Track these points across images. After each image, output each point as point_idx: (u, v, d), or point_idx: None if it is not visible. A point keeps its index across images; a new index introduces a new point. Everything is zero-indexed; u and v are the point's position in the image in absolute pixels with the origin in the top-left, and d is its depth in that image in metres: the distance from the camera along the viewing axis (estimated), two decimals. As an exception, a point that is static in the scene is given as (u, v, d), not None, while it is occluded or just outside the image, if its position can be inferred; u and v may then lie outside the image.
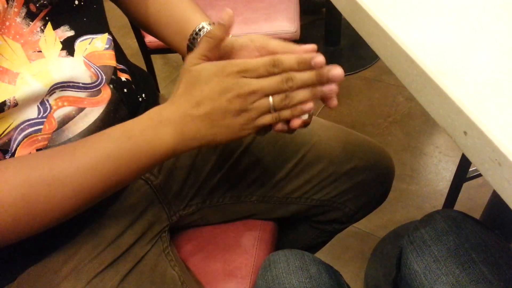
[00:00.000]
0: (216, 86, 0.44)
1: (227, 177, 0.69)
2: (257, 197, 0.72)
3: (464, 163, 1.03)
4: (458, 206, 1.21)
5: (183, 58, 0.55)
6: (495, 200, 0.81)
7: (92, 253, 0.56)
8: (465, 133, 0.38)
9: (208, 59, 0.46)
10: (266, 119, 0.46)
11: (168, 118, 0.45)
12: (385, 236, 0.65)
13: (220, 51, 0.49)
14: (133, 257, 0.59)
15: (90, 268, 0.55)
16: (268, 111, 0.46)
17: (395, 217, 1.29)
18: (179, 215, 0.68)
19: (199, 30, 0.57)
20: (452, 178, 1.16)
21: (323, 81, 0.45)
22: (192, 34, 0.57)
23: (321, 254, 0.78)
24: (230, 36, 0.52)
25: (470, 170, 1.05)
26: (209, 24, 0.58)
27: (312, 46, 0.48)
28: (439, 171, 1.41)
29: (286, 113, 0.46)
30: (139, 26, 0.68)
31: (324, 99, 0.48)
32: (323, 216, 0.76)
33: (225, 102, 0.44)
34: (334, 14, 1.76)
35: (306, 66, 0.45)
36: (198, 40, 0.57)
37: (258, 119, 0.46)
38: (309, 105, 0.46)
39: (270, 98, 0.45)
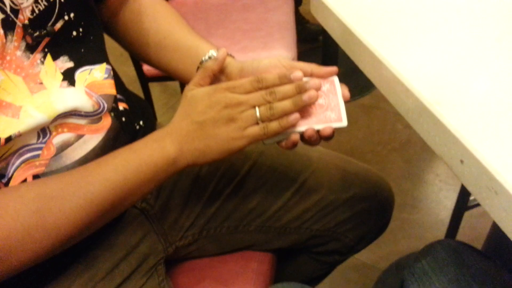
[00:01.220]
0: (207, 101, 0.50)
1: (224, 207, 0.69)
2: (255, 227, 0.70)
3: (465, 191, 1.02)
4: (460, 236, 1.20)
5: (181, 86, 0.58)
6: (496, 229, 0.79)
7: (87, 286, 0.55)
8: (461, 161, 0.38)
9: (202, 86, 0.53)
10: (255, 130, 0.50)
11: (168, 132, 0.51)
12: (387, 268, 0.63)
13: (243, 73, 0.56)
14: (128, 290, 0.57)
15: (84, 301, 0.54)
16: (255, 121, 0.50)
17: (397, 248, 1.27)
18: (175, 246, 0.67)
19: (209, 57, 0.59)
20: (453, 206, 1.14)
21: (302, 91, 0.50)
22: (203, 59, 0.59)
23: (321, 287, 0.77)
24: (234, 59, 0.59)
25: (471, 198, 1.04)
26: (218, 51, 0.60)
27: (335, 68, 0.54)
28: (440, 200, 1.40)
29: (273, 125, 0.50)
30: (136, 56, 0.68)
31: (321, 135, 0.52)
32: (323, 247, 0.75)
33: (215, 113, 0.49)
34: (331, 42, 1.78)
35: (287, 80, 0.51)
36: None
37: (247, 129, 0.50)
38: (295, 115, 0.50)
39: (257, 109, 0.49)
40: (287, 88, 0.50)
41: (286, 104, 0.49)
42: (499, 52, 0.47)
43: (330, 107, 0.52)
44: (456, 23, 0.52)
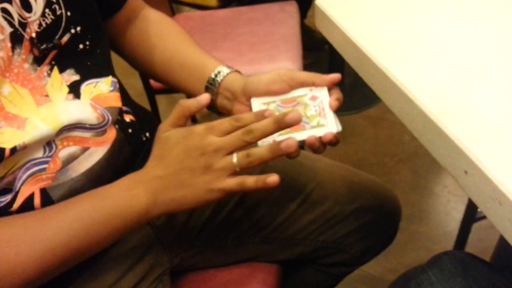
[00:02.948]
0: (184, 147, 0.47)
1: (230, 218, 0.69)
2: (261, 238, 0.70)
3: (473, 203, 1.01)
4: (468, 248, 1.18)
5: (188, 98, 0.58)
6: (504, 241, 0.78)
7: (92, 297, 0.55)
8: (465, 172, 0.38)
9: (177, 126, 0.50)
10: (232, 184, 0.47)
11: (141, 180, 0.49)
12: (394, 280, 0.63)
13: (245, 91, 0.56)
14: (133, 301, 0.57)
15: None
16: (233, 169, 0.47)
17: (404, 260, 1.26)
18: (180, 257, 0.67)
19: (218, 72, 0.60)
20: (461, 218, 1.13)
21: (281, 126, 0.46)
22: (210, 76, 0.60)
23: (327, 298, 0.76)
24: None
25: (479, 210, 1.03)
26: (227, 68, 0.61)
27: (338, 75, 0.54)
28: (449, 212, 1.39)
29: (249, 181, 0.47)
30: (143, 72, 0.70)
31: (323, 141, 0.51)
32: (329, 258, 0.74)
33: (192, 161, 0.47)
34: (337, 54, 1.80)
35: (263, 118, 0.47)
36: (218, 81, 0.60)
37: (224, 181, 0.47)
38: (273, 179, 0.47)
39: (234, 156, 0.47)
40: (264, 124, 0.46)
41: (263, 153, 0.47)
42: (503, 64, 0.47)
43: (321, 114, 0.53)
44: (460, 34, 0.52)
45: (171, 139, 0.48)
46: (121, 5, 0.65)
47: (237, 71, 0.61)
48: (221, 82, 0.60)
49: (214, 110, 0.63)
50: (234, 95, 0.59)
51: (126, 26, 0.67)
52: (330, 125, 0.52)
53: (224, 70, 0.60)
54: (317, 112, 0.52)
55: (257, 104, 0.57)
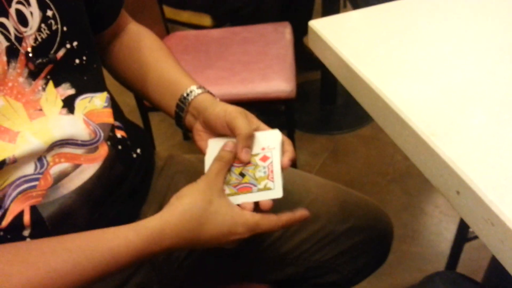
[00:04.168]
0: (226, 232, 0.50)
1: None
2: (253, 258, 0.70)
3: (465, 223, 1.01)
4: (460, 268, 1.18)
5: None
6: (496, 261, 0.78)
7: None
8: (457, 192, 0.38)
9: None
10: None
11: (166, 237, 0.48)
12: (387, 299, 0.63)
13: (204, 116, 0.57)
14: (121, 322, 0.56)
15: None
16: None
17: (396, 281, 1.25)
18: (170, 277, 0.66)
19: (190, 92, 0.61)
20: (453, 238, 1.14)
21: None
22: (182, 95, 0.61)
23: (319, 320, 0.75)
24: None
25: (470, 230, 1.03)
26: (198, 88, 0.61)
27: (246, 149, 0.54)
28: (441, 232, 1.39)
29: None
30: (126, 87, 0.70)
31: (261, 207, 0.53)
32: (321, 279, 0.74)
33: (222, 242, 0.51)
34: (330, 73, 1.82)
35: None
36: (189, 100, 0.60)
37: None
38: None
39: None
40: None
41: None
42: (494, 84, 0.48)
43: (269, 177, 0.52)
44: (451, 56, 0.53)
45: (218, 219, 0.50)
46: (112, 21, 0.66)
47: (209, 92, 0.62)
48: (191, 101, 0.60)
49: (183, 128, 0.63)
50: (198, 114, 0.60)
51: (111, 40, 0.68)
52: (276, 190, 0.51)
53: (196, 90, 0.61)
54: (265, 174, 0.52)
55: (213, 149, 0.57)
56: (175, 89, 0.62)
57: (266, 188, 0.51)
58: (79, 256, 0.44)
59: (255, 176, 0.52)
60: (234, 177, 0.53)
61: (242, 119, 0.54)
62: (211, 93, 0.62)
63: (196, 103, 0.60)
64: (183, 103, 0.61)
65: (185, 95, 0.61)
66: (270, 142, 0.55)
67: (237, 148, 0.54)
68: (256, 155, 0.54)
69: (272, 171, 0.52)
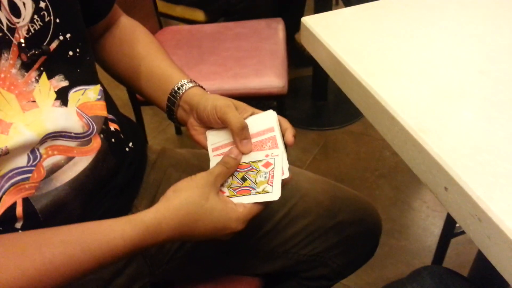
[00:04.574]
0: (216, 230, 0.51)
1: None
2: (243, 251, 0.70)
3: (451, 218, 1.03)
4: (446, 262, 1.20)
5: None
6: (482, 256, 0.80)
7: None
8: (445, 188, 0.39)
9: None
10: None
11: (162, 231, 0.49)
12: (375, 293, 0.64)
13: (197, 110, 0.58)
14: (113, 314, 0.57)
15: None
16: None
17: (384, 274, 1.27)
18: (161, 269, 0.66)
19: (181, 86, 0.61)
20: (440, 233, 1.15)
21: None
22: (173, 88, 0.61)
23: (308, 312, 0.76)
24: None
25: (457, 225, 1.05)
26: (189, 82, 0.61)
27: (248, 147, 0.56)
28: (428, 227, 1.41)
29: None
30: (116, 79, 0.70)
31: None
32: (311, 272, 0.75)
33: (219, 235, 0.51)
34: (322, 70, 1.83)
35: None
36: (180, 94, 0.61)
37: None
38: None
39: None
40: None
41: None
42: (482, 83, 0.49)
43: (269, 181, 0.53)
44: (441, 54, 0.54)
45: (213, 215, 0.50)
46: (106, 13, 0.65)
47: (200, 86, 0.62)
48: (182, 95, 0.61)
49: (175, 121, 0.64)
50: (191, 109, 0.60)
51: (103, 33, 0.68)
52: (274, 193, 0.52)
53: (187, 84, 0.61)
54: (266, 179, 0.53)
55: (213, 140, 0.59)
56: (166, 83, 0.62)
57: (263, 192, 0.52)
58: (75, 249, 0.44)
59: (255, 181, 0.53)
60: (236, 181, 0.54)
61: (232, 113, 0.55)
62: (201, 87, 0.62)
63: (187, 97, 0.60)
64: (174, 97, 0.61)
65: (176, 89, 0.61)
66: (267, 124, 0.56)
67: (235, 142, 0.55)
68: (260, 161, 0.55)
69: (272, 176, 0.53)
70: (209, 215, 0.50)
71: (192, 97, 0.60)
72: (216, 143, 0.58)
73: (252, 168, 0.54)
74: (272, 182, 0.52)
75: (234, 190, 0.53)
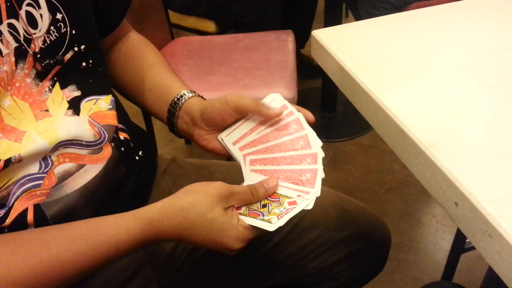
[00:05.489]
0: (215, 243, 0.49)
1: (221, 241, 0.68)
2: (251, 263, 0.70)
3: (461, 233, 1.02)
4: (456, 278, 1.18)
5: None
6: (493, 272, 0.79)
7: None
8: (456, 204, 0.39)
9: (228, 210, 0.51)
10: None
11: (163, 232, 0.48)
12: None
13: (203, 118, 0.57)
14: (120, 323, 0.57)
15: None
16: None
17: (393, 288, 1.26)
18: (169, 279, 0.66)
19: (181, 96, 0.61)
20: (450, 248, 1.14)
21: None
22: (173, 99, 0.61)
23: (315, 326, 0.75)
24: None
25: (467, 241, 1.03)
26: (189, 92, 0.62)
27: (279, 111, 0.56)
28: (437, 241, 1.39)
29: None
30: (120, 93, 0.70)
31: None
32: (319, 285, 0.74)
33: (219, 248, 0.50)
34: (331, 81, 1.83)
35: None
36: (179, 105, 0.61)
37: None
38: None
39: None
40: None
41: None
42: (492, 98, 0.48)
43: (279, 216, 0.51)
44: (451, 69, 0.54)
45: (212, 227, 0.48)
46: (115, 27, 0.67)
47: (199, 95, 0.62)
48: (182, 105, 0.61)
49: (176, 133, 0.64)
50: (193, 120, 0.60)
51: (110, 46, 0.69)
52: (274, 225, 0.51)
53: (187, 94, 0.61)
54: (280, 212, 0.52)
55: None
56: (167, 94, 0.62)
57: (267, 221, 0.51)
58: (81, 245, 0.45)
59: (270, 210, 0.52)
60: (257, 205, 0.53)
61: (243, 98, 0.56)
62: (201, 97, 0.62)
63: (187, 107, 0.60)
64: (174, 107, 0.61)
65: (175, 99, 0.61)
66: (277, 103, 0.59)
67: (262, 114, 0.56)
68: (289, 198, 0.53)
69: (286, 213, 0.52)
70: (208, 226, 0.48)
71: (191, 106, 0.60)
72: (234, 138, 0.58)
73: (279, 201, 0.54)
74: (281, 217, 0.51)
75: (249, 210, 0.53)
